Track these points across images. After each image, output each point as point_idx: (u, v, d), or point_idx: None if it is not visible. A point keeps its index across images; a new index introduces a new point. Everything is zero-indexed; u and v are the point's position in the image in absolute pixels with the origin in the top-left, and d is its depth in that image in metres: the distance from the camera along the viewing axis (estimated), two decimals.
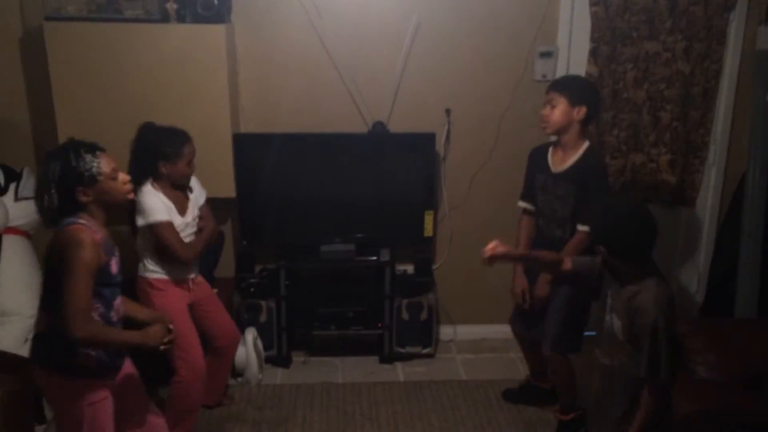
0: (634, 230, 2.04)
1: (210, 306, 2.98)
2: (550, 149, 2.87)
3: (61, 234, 2.01)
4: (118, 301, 2.16)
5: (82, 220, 2.03)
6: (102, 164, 2.04)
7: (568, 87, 2.75)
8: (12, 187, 3.32)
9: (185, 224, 2.77)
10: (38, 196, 2.04)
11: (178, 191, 2.79)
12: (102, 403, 2.13)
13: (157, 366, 2.70)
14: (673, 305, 2.04)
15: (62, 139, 3.02)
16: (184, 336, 2.75)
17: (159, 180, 2.70)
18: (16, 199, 3.29)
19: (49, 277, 2.09)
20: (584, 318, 2.88)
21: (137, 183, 2.56)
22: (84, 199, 2.02)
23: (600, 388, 2.24)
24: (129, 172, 2.38)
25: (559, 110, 2.72)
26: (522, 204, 3.02)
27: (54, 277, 2.01)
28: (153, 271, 2.76)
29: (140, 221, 2.67)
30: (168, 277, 2.79)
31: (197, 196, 2.88)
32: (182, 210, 2.78)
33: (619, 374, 2.15)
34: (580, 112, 2.71)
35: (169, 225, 2.68)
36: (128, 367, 2.30)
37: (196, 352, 2.79)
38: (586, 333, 2.84)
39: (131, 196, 2.17)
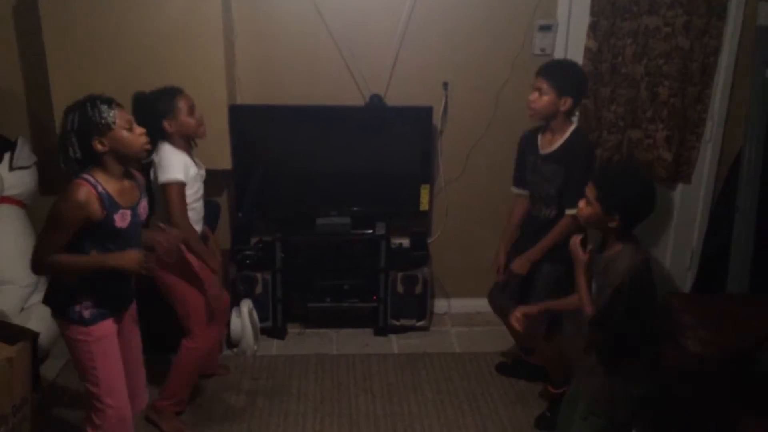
0: (640, 189, 2.11)
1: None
2: (540, 133, 2.85)
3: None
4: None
5: (88, 176, 2.07)
6: (116, 114, 2.08)
7: (558, 77, 2.70)
8: (6, 156, 3.31)
9: (201, 175, 2.77)
10: (62, 149, 2.08)
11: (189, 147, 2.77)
12: (110, 339, 2.24)
13: (167, 332, 2.80)
14: (649, 269, 2.11)
15: (57, 108, 3.02)
16: (203, 305, 2.77)
17: (171, 141, 2.68)
18: (11, 168, 3.28)
19: None
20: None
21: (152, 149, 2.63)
22: (100, 148, 2.06)
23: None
24: None
25: (546, 98, 2.69)
26: (515, 190, 3.03)
27: None
28: None
29: (161, 177, 2.62)
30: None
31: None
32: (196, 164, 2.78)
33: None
34: (566, 103, 2.70)
35: (182, 188, 2.64)
36: (129, 325, 2.39)
37: (214, 322, 2.83)
38: None
39: (148, 147, 2.20)
